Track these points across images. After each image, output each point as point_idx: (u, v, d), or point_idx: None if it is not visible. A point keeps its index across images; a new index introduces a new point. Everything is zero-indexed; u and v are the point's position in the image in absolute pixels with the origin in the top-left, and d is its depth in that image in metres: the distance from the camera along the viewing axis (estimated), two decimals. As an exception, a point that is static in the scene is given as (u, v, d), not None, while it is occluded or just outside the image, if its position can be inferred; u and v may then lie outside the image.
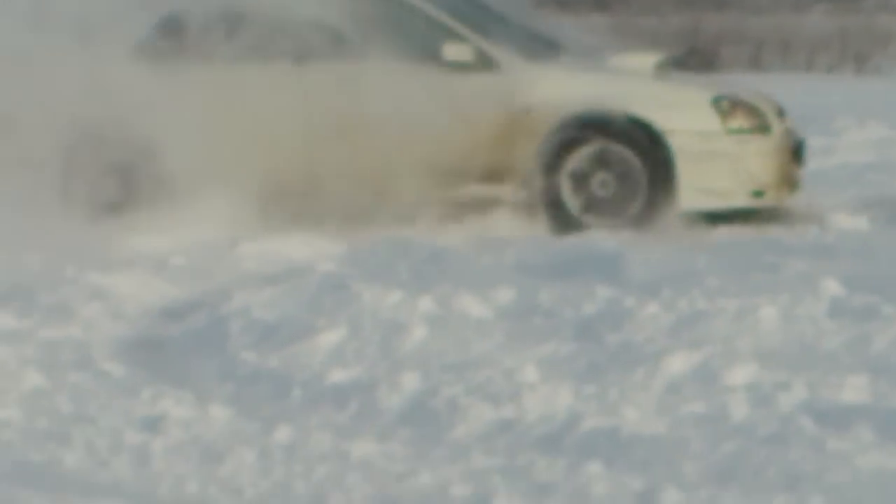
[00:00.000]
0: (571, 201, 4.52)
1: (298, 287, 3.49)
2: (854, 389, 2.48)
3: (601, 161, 4.51)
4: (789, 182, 4.83)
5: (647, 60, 4.88)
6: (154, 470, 2.28)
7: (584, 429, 2.35)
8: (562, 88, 4.54)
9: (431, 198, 4.28)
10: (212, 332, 3.28)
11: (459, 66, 4.46)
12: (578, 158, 4.50)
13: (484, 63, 4.51)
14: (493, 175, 4.44)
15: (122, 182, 4.52)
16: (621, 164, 4.51)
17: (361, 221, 4.23)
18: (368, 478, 2.16)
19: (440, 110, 4.29)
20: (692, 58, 11.46)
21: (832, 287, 3.23)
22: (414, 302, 3.26)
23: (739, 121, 4.64)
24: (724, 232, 4.56)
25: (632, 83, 4.68)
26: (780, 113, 4.95)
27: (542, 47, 4.88)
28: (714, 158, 4.49)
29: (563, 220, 4.49)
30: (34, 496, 2.07)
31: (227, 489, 2.25)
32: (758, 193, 4.60)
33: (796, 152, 4.94)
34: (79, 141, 4.41)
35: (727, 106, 4.64)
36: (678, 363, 2.70)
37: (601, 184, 4.51)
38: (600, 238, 4.29)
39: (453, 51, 4.47)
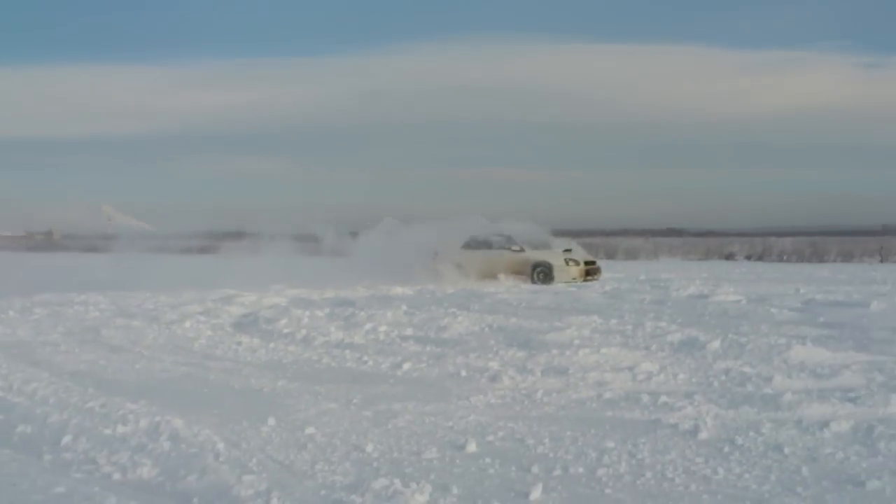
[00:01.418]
0: (535, 278, 21.02)
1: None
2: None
3: (541, 268, 21.09)
4: (584, 276, 21.24)
5: (561, 249, 22.19)
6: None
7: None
8: (537, 256, 21.38)
9: (511, 275, 21.18)
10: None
11: (518, 250, 21.64)
12: (538, 269, 21.13)
13: (522, 249, 21.65)
14: (520, 272, 21.24)
15: (456, 268, 21.79)
16: (544, 270, 21.01)
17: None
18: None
19: (515, 259, 21.48)
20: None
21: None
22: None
23: (570, 261, 21.36)
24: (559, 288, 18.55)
25: (550, 254, 21.59)
26: (585, 257, 22.36)
27: (536, 244, 22.19)
28: (563, 271, 20.95)
29: (536, 281, 20.98)
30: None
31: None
32: (574, 279, 20.95)
33: (588, 269, 21.64)
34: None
35: (568, 258, 21.44)
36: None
37: (539, 273, 21.03)
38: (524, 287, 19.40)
39: (516, 248, 21.72)
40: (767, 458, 5.17)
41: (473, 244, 22.47)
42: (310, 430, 5.98)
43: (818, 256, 36.29)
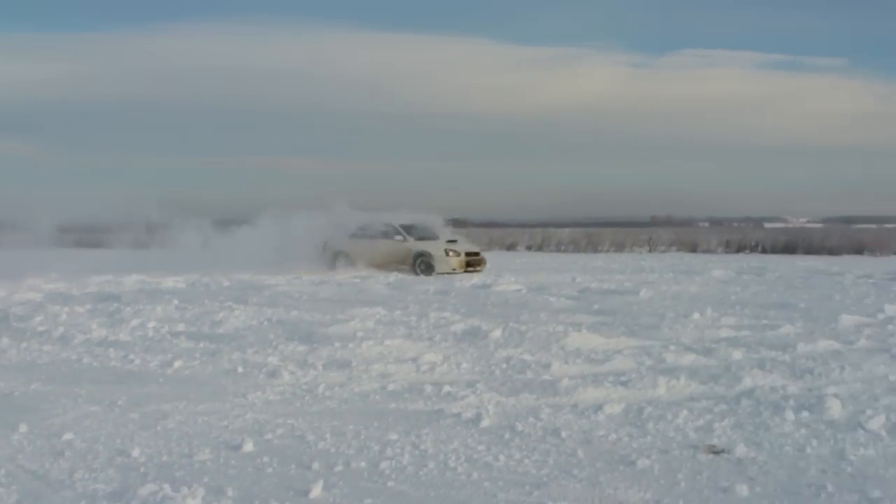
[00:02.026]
0: (416, 268, 21.21)
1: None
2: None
3: (421, 258, 21.26)
4: (465, 267, 21.22)
5: (446, 239, 22.28)
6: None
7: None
8: (419, 247, 21.48)
9: (392, 266, 21.28)
10: None
11: (401, 240, 21.70)
12: (419, 259, 21.31)
13: (405, 239, 21.70)
14: (402, 261, 21.41)
15: (337, 259, 22.26)
16: (425, 260, 21.22)
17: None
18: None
19: (398, 249, 21.63)
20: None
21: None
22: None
23: (451, 251, 21.36)
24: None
25: (432, 245, 21.64)
26: (468, 248, 22.37)
27: (423, 235, 22.26)
28: (443, 261, 21.01)
29: (417, 271, 21.07)
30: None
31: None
32: (454, 270, 20.91)
33: (470, 260, 21.63)
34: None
35: (448, 248, 21.45)
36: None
37: (420, 264, 21.22)
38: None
39: (399, 237, 21.78)
40: (546, 443, 5.37)
41: (360, 233, 22.67)
42: (68, 435, 5.54)
43: (593, 246, 38.84)
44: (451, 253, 21.55)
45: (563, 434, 5.55)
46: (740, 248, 36.46)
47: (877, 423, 5.69)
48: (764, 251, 36.14)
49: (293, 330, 9.97)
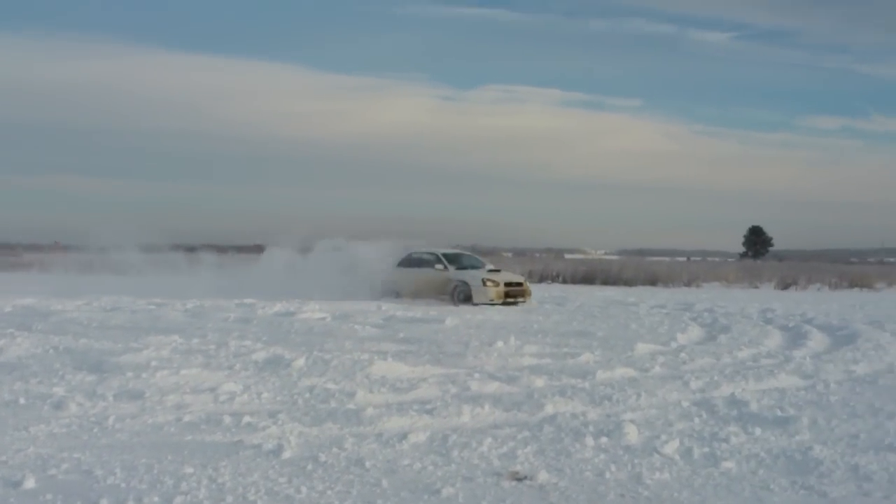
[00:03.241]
0: (455, 297, 21.36)
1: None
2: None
3: (460, 288, 21.41)
4: (504, 298, 21.11)
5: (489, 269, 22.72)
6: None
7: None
8: (458, 276, 21.74)
9: (431, 296, 21.57)
10: None
11: (441, 269, 22.09)
12: (457, 289, 21.44)
13: (445, 269, 22.08)
14: (442, 291, 21.65)
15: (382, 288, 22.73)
16: (463, 289, 21.34)
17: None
18: None
19: (438, 278, 21.96)
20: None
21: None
22: None
23: (489, 282, 21.23)
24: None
25: (470, 274, 21.76)
26: (510, 278, 22.14)
27: (469, 264, 22.85)
28: (481, 291, 21.01)
29: (456, 301, 21.24)
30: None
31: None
32: (492, 301, 20.87)
33: (510, 290, 21.39)
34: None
35: (486, 278, 21.39)
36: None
37: (459, 293, 21.33)
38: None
39: (440, 266, 22.18)
40: (350, 473, 5.35)
41: (406, 262, 23.16)
42: None
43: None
44: (489, 283, 21.28)
45: (368, 464, 5.54)
46: (542, 278, 38.08)
47: (671, 447, 6.09)
48: (564, 281, 37.97)
49: (81, 359, 9.48)
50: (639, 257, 63.73)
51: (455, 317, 15.66)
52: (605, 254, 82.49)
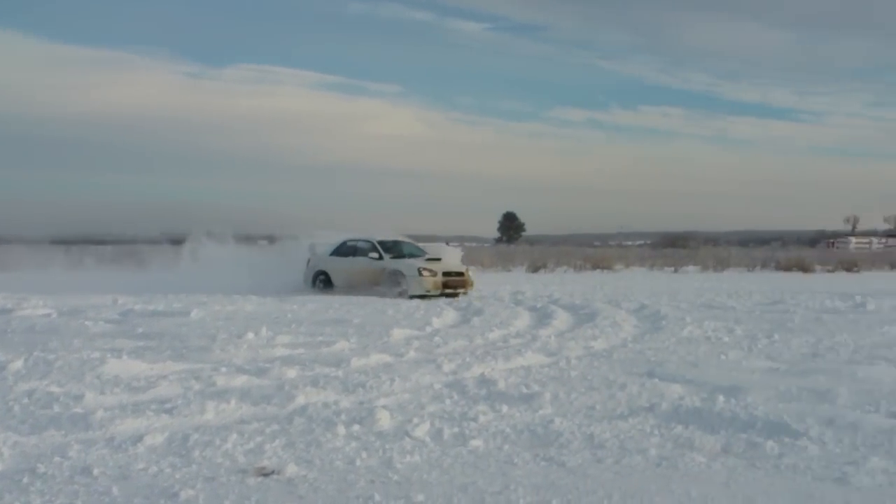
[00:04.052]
0: (390, 289, 20.10)
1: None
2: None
3: (394, 278, 20.61)
4: (441, 289, 20.22)
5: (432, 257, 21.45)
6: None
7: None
8: (392, 265, 20.84)
9: (366, 288, 20.49)
10: None
11: (375, 258, 21.28)
12: (393, 278, 20.47)
13: (380, 257, 21.21)
14: (376, 282, 20.59)
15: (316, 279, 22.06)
16: (396, 280, 20.46)
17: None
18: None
19: (371, 268, 21.10)
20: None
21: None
22: None
23: (425, 271, 20.32)
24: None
25: (405, 263, 20.84)
26: (451, 267, 21.04)
27: (412, 253, 21.84)
28: (416, 280, 20.15)
29: (392, 293, 19.97)
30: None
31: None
32: (428, 292, 20.05)
33: (449, 280, 20.48)
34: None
35: (422, 267, 20.47)
36: None
37: (394, 283, 20.39)
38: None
39: (374, 255, 21.38)
40: (74, 483, 4.93)
41: (340, 251, 22.06)
42: None
43: (141, 264, 37.23)
44: (425, 273, 19.70)
45: (96, 471, 5.13)
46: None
47: (422, 430, 6.17)
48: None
49: None
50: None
51: (202, 308, 15.07)
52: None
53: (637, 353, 10.43)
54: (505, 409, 6.92)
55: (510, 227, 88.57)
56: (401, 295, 19.81)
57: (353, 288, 20.79)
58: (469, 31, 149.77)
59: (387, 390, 7.80)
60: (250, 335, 11.31)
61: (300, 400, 7.25)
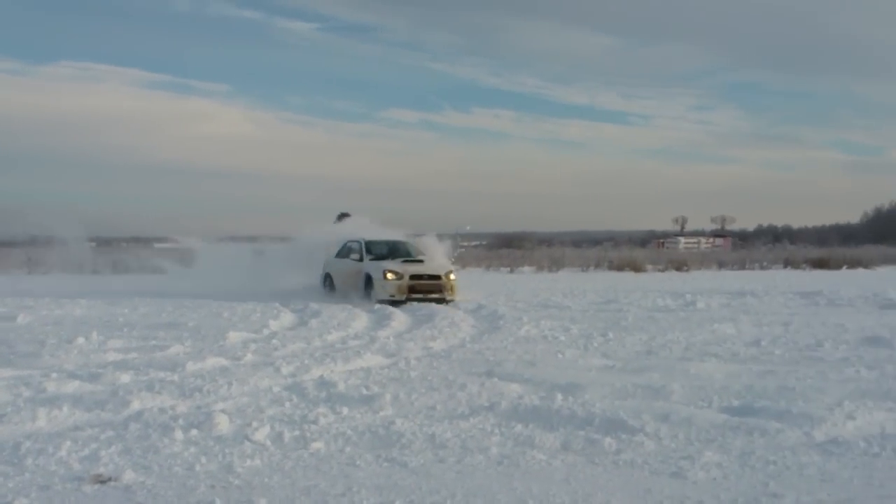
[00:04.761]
0: (363, 292, 19.47)
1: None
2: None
3: (364, 281, 19.60)
4: (406, 293, 18.66)
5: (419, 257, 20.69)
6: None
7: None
8: (368, 268, 19.59)
9: (351, 291, 19.96)
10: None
11: (357, 259, 20.35)
12: (364, 281, 19.55)
13: (361, 258, 20.21)
14: (356, 285, 19.83)
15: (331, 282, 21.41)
16: (366, 282, 19.50)
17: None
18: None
19: (353, 270, 20.31)
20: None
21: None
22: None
23: (389, 273, 18.98)
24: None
25: (377, 265, 19.47)
26: (427, 269, 19.59)
27: (382, 255, 20.35)
28: (381, 284, 18.87)
29: (365, 296, 19.25)
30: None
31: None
32: (392, 296, 18.61)
33: (416, 284, 18.85)
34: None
35: (388, 269, 19.12)
36: None
37: (365, 286, 19.58)
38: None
39: (356, 256, 20.52)
40: None
41: (341, 252, 21.43)
42: None
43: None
44: (389, 275, 18.20)
45: (-79, 484, 5.04)
46: (127, 269, 36.42)
47: (262, 433, 6.32)
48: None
49: None
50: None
51: (29, 313, 14.53)
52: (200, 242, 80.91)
53: (476, 353, 10.87)
54: (345, 410, 7.14)
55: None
56: (370, 299, 18.81)
57: (343, 291, 20.15)
58: (299, 31, 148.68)
59: (225, 394, 7.88)
60: (81, 340, 11.08)
61: (135, 405, 7.24)
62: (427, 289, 18.89)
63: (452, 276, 19.53)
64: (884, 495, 4.97)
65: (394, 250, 20.72)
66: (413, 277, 18.85)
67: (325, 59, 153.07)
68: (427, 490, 5.07)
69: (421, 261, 20.00)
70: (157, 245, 58.66)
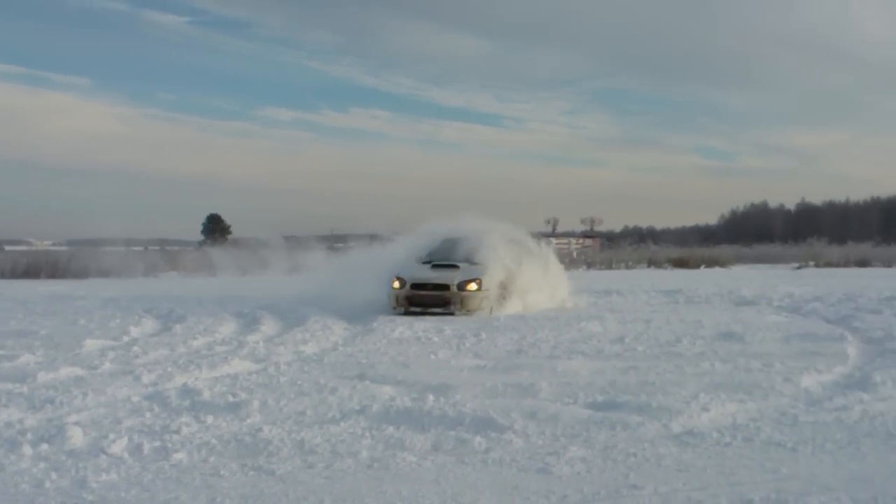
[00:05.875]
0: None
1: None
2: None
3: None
4: (408, 306, 16.79)
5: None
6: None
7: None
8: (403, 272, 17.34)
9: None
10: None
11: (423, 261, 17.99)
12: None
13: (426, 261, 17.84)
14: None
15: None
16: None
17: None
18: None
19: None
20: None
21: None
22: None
23: (396, 281, 17.06)
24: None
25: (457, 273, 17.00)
26: (440, 278, 17.03)
27: (442, 259, 17.78)
28: (391, 294, 17.02)
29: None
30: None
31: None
32: (394, 308, 16.92)
33: (415, 295, 16.82)
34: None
35: (399, 275, 17.21)
36: None
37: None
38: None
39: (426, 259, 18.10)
40: None
41: (433, 257, 18.03)
42: None
43: None
44: (396, 283, 16.55)
45: None
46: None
47: (119, 446, 6.03)
48: (3, 276, 34.99)
49: None
50: (91, 248, 61.06)
51: None
52: (53, 244, 77.56)
53: (348, 356, 10.75)
54: (210, 419, 6.91)
55: (215, 229, 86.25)
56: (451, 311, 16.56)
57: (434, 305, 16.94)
58: (168, 24, 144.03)
59: (79, 405, 7.51)
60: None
61: (-25, 419, 6.81)
62: (428, 301, 16.66)
63: (476, 287, 16.75)
64: (735, 482, 5.17)
65: (450, 253, 17.94)
66: (415, 287, 16.74)
67: (196, 54, 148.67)
68: (294, 497, 4.97)
69: (456, 266, 17.20)
70: (7, 248, 55.81)
